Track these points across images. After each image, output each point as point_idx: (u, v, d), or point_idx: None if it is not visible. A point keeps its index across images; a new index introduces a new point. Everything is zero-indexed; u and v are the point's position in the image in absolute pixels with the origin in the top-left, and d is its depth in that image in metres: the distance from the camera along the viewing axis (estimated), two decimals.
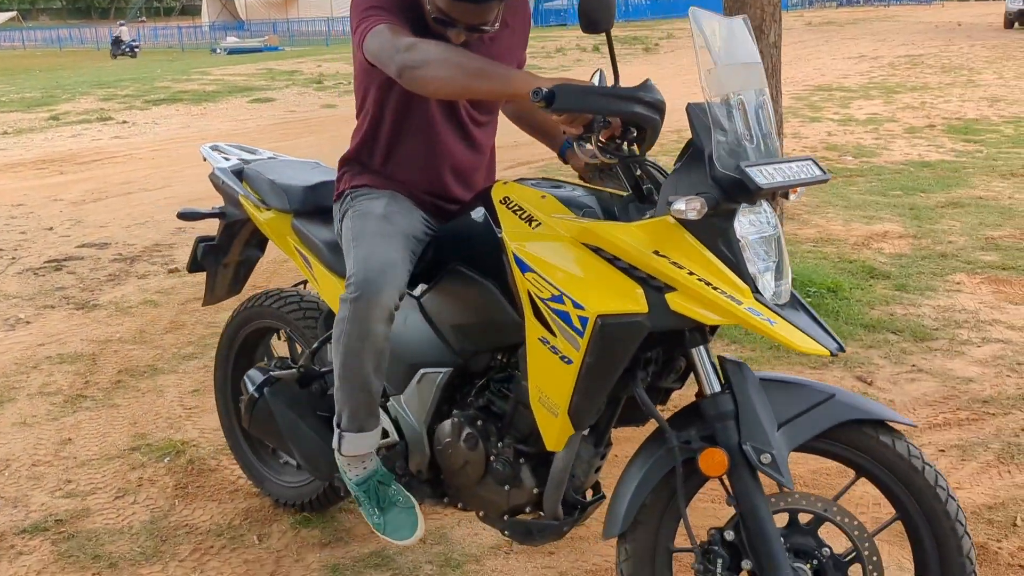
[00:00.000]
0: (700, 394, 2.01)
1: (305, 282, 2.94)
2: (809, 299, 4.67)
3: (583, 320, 1.91)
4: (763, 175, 1.78)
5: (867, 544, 1.96)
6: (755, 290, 1.84)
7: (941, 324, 4.53)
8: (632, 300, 1.89)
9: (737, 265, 1.84)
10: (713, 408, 1.95)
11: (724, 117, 1.82)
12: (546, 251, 2.02)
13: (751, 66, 1.92)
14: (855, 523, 1.97)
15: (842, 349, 1.85)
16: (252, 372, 2.74)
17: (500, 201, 2.17)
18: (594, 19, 1.85)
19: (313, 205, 2.67)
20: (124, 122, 13.61)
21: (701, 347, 1.98)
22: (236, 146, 3.10)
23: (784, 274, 1.91)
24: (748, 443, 1.90)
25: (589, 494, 2.33)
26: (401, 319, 2.33)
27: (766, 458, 1.89)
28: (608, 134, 1.93)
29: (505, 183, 2.22)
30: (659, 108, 1.83)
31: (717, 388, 1.96)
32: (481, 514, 2.35)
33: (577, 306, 1.92)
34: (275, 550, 2.86)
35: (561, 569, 2.71)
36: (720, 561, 1.96)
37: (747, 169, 1.78)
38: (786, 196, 1.90)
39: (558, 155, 2.50)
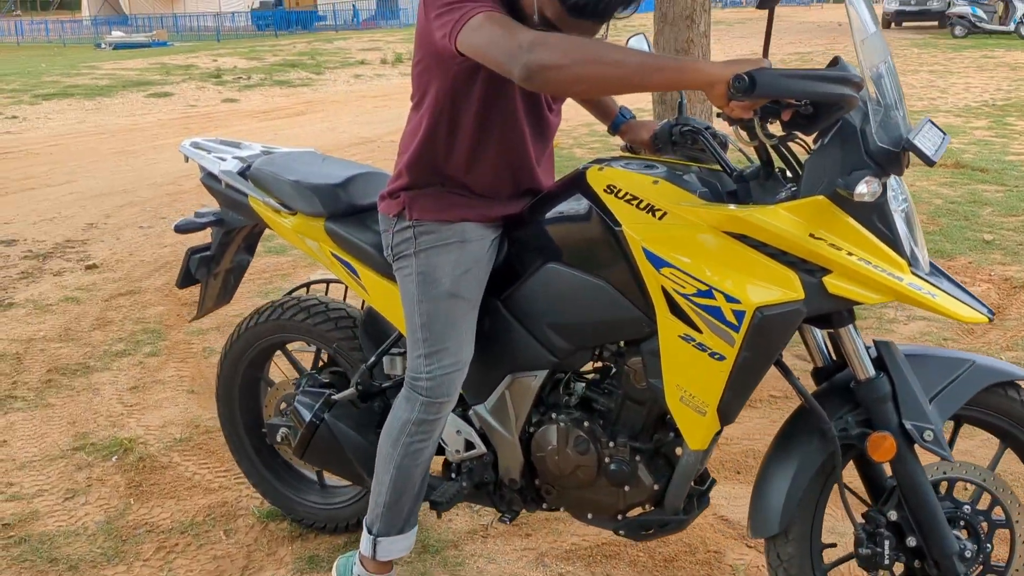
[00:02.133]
0: (817, 374, 2.06)
1: (302, 287, 2.79)
2: None
3: (738, 314, 1.81)
4: (931, 146, 1.72)
5: (1002, 490, 2.01)
6: (911, 263, 1.81)
7: None
8: (788, 287, 1.79)
9: (893, 240, 1.79)
10: (872, 392, 1.91)
11: (877, 88, 1.76)
12: (684, 244, 1.88)
13: (879, 33, 1.83)
14: (1009, 491, 2.01)
15: (992, 314, 1.85)
16: (301, 397, 2.52)
17: (605, 190, 1.98)
18: None
19: (348, 205, 2.40)
20: (14, 117, 12.97)
21: (850, 327, 1.93)
22: (217, 140, 2.80)
23: (921, 243, 1.88)
24: (909, 422, 1.89)
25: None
26: (481, 324, 2.18)
27: (928, 435, 1.88)
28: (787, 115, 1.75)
29: (601, 168, 2.03)
30: (861, 87, 1.68)
31: (872, 371, 1.92)
32: (590, 516, 2.25)
33: (731, 300, 1.81)
34: (244, 544, 2.78)
35: (540, 550, 2.71)
36: (887, 542, 1.96)
37: (916, 142, 1.70)
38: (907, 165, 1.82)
39: (609, 129, 2.37)
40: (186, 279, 2.76)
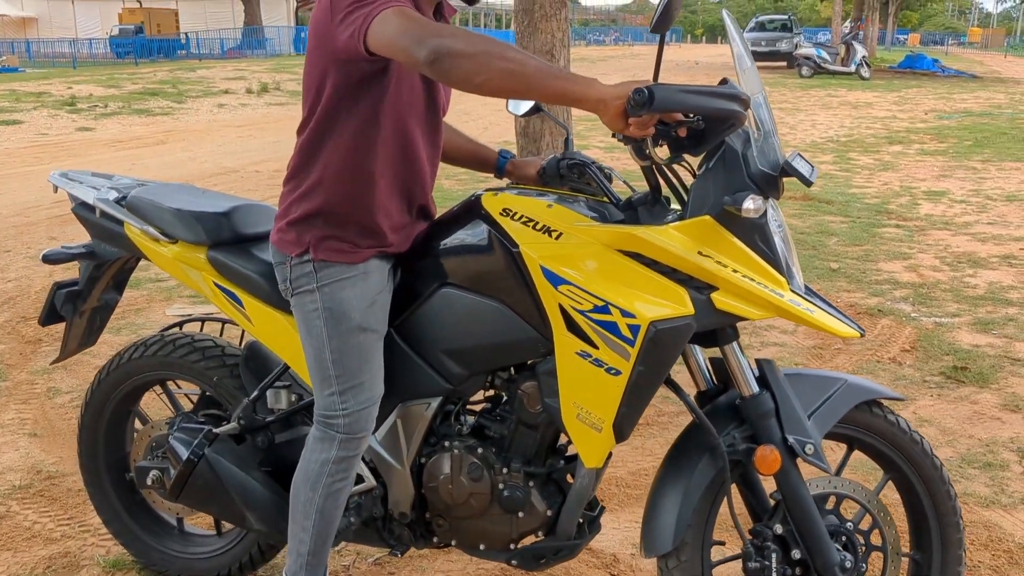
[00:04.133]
0: (706, 392, 2.11)
1: (175, 326, 2.65)
2: None
3: (634, 328, 1.87)
4: (806, 170, 1.83)
5: (883, 514, 2.14)
6: (789, 282, 1.90)
7: None
8: (679, 303, 1.88)
9: (773, 259, 1.89)
10: (756, 408, 2.01)
11: (757, 115, 1.87)
12: (581, 262, 1.94)
13: (755, 68, 1.96)
14: (888, 517, 2.14)
15: (863, 331, 1.97)
16: (177, 434, 2.41)
17: (501, 213, 2.03)
18: (666, 20, 1.75)
19: (232, 234, 2.34)
20: None
21: (735, 344, 2.02)
22: (87, 173, 2.64)
23: (796, 265, 1.98)
24: (791, 436, 1.98)
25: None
26: None
27: (809, 448, 1.99)
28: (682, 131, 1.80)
29: (496, 194, 2.09)
30: (748, 104, 1.77)
31: (756, 388, 2.02)
32: (482, 548, 2.22)
33: (626, 315, 1.87)
34: None
35: None
36: (774, 555, 2.03)
37: (796, 165, 1.82)
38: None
39: (495, 172, 2.39)
40: (51, 316, 2.61)
